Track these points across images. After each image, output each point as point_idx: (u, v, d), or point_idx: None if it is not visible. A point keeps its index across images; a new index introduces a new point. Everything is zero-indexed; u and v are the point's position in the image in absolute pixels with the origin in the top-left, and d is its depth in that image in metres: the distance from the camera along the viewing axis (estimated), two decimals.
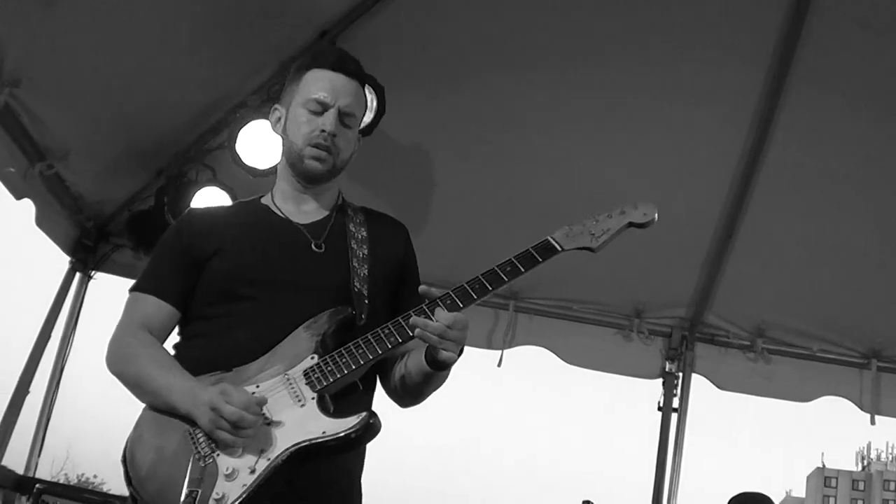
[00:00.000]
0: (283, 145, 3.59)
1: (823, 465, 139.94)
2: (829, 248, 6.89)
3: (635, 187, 6.72)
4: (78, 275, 7.23)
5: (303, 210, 3.61)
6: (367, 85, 3.78)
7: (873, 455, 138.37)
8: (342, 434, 3.05)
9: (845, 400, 7.35)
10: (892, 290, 6.95)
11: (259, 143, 6.29)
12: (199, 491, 2.95)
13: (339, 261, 3.47)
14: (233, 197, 6.53)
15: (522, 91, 6.52)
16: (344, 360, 3.19)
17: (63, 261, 7.20)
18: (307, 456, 3.05)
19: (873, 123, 6.33)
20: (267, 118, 6.10)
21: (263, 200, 3.68)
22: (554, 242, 3.39)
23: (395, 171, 6.87)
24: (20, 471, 6.80)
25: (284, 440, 3.05)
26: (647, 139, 6.72)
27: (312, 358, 3.22)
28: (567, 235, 3.44)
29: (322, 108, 3.51)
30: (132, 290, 3.47)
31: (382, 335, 3.23)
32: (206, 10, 5.90)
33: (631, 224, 3.52)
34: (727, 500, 6.30)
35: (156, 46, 5.94)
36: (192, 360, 3.26)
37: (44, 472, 7.33)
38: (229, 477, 2.99)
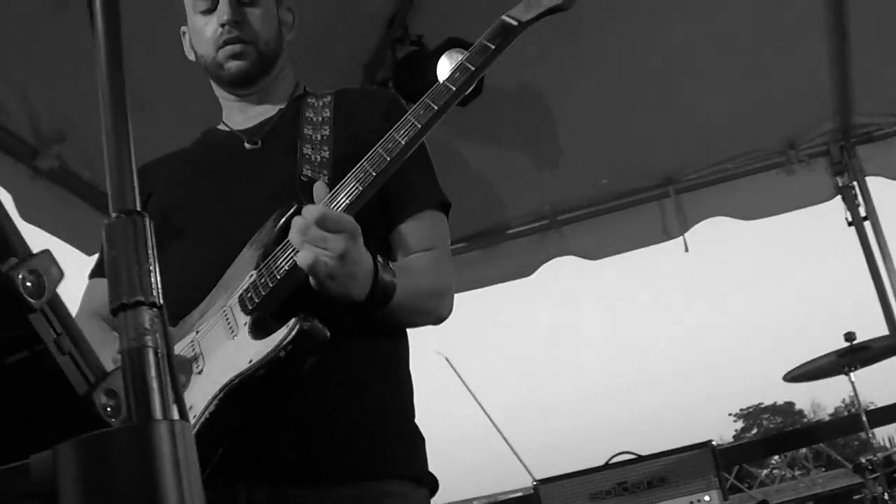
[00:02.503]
0: (204, 68, 3.02)
1: None
2: None
3: (737, 32, 6.69)
4: None
5: (250, 116, 3.04)
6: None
7: None
8: (269, 356, 2.33)
9: None
10: None
11: None
12: None
13: (282, 152, 2.84)
14: None
15: None
16: (277, 264, 2.48)
17: None
18: (243, 396, 2.39)
19: None
20: None
21: (218, 126, 3.12)
22: (508, 20, 2.55)
23: (513, 119, 6.94)
24: None
25: (212, 386, 2.42)
26: None
27: (250, 276, 2.54)
28: (527, 6, 2.58)
29: (211, 2, 2.94)
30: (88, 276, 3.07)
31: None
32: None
33: None
34: None
35: None
36: None
37: None
38: None
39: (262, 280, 2.47)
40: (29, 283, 1.20)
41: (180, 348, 2.56)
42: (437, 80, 5.86)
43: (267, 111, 3.02)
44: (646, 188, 7.50)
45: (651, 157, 7.25)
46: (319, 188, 2.49)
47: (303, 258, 2.35)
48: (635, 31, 6.56)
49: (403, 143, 2.47)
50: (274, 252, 2.49)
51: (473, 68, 2.52)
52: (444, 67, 6.00)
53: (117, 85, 1.31)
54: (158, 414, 1.17)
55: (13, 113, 5.28)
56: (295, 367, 2.33)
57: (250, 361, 2.34)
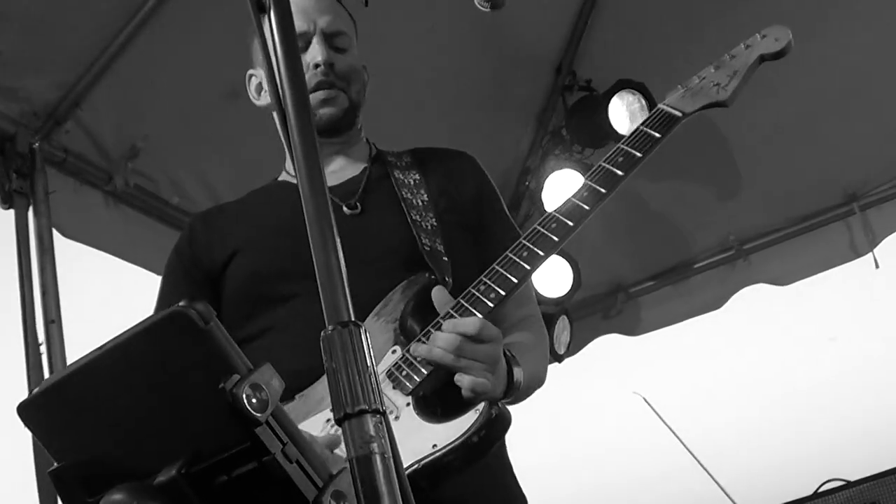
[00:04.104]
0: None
1: None
2: None
3: None
4: None
5: (329, 172, 2.84)
6: None
7: None
8: (460, 441, 2.21)
9: None
10: None
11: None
12: None
13: (389, 218, 2.73)
14: None
15: None
16: None
17: None
18: (424, 481, 2.22)
19: None
20: (564, 167, 6.41)
21: (279, 178, 2.99)
22: (670, 109, 2.64)
23: (688, 152, 6.77)
24: None
25: None
26: None
27: (394, 352, 2.45)
28: (684, 97, 2.69)
29: (302, 41, 2.77)
30: None
31: (479, 295, 2.43)
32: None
33: (762, 58, 2.74)
34: None
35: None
36: None
37: None
38: None
39: (419, 359, 2.38)
40: (254, 400, 1.24)
41: (314, 428, 2.38)
42: (609, 123, 5.90)
43: (347, 168, 2.92)
44: (830, 207, 7.27)
45: (832, 175, 7.02)
46: (439, 293, 2.47)
47: (471, 384, 2.29)
48: (806, 53, 6.33)
49: (557, 239, 2.49)
50: (424, 329, 2.44)
51: (640, 155, 2.54)
52: (617, 109, 6.00)
53: (321, 201, 1.35)
54: None
55: (189, 193, 5.48)
56: (483, 453, 2.24)
57: (434, 446, 2.22)
